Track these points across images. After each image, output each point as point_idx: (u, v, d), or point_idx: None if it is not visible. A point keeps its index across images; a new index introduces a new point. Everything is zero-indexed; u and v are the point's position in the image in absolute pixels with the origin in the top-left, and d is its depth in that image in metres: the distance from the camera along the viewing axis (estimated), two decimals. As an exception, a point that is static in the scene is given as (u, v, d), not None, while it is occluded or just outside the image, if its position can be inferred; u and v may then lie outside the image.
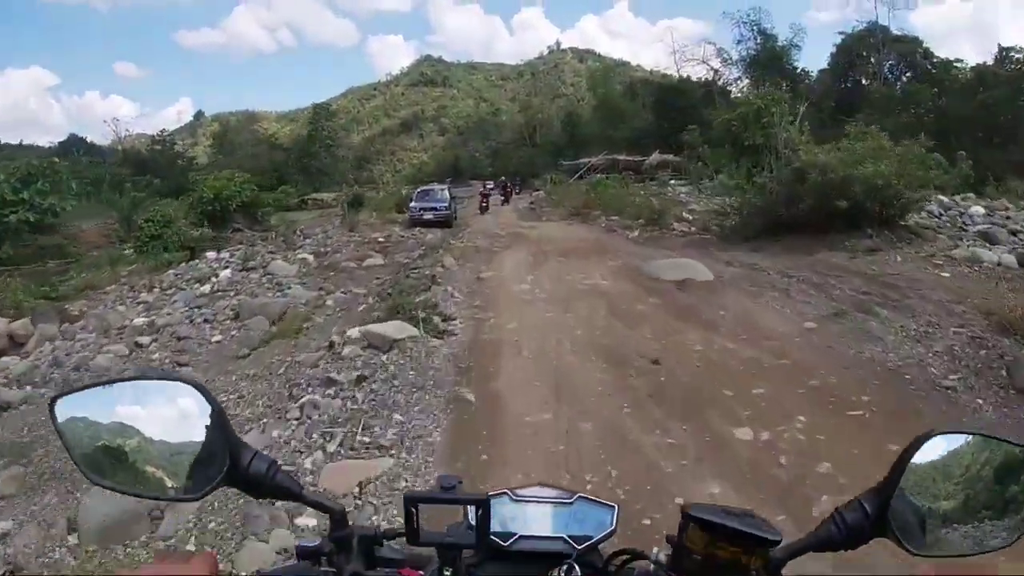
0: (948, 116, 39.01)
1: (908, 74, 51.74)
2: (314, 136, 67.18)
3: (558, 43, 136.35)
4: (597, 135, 57.17)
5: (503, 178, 45.10)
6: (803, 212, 14.20)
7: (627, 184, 31.53)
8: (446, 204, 26.24)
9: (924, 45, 52.35)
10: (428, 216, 25.33)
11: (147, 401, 0.95)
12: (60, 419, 0.93)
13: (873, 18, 53.03)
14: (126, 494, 0.96)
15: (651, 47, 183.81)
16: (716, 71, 56.46)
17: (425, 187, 30.47)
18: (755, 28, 55.57)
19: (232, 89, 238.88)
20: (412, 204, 26.94)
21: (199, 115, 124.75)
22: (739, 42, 55.80)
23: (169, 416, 0.95)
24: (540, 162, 57.71)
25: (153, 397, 0.96)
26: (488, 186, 39.61)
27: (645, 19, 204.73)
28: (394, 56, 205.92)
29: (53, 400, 0.93)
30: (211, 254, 20.36)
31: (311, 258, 17.83)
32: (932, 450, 0.92)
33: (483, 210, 32.62)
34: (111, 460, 0.93)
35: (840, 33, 53.65)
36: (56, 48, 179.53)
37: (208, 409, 0.92)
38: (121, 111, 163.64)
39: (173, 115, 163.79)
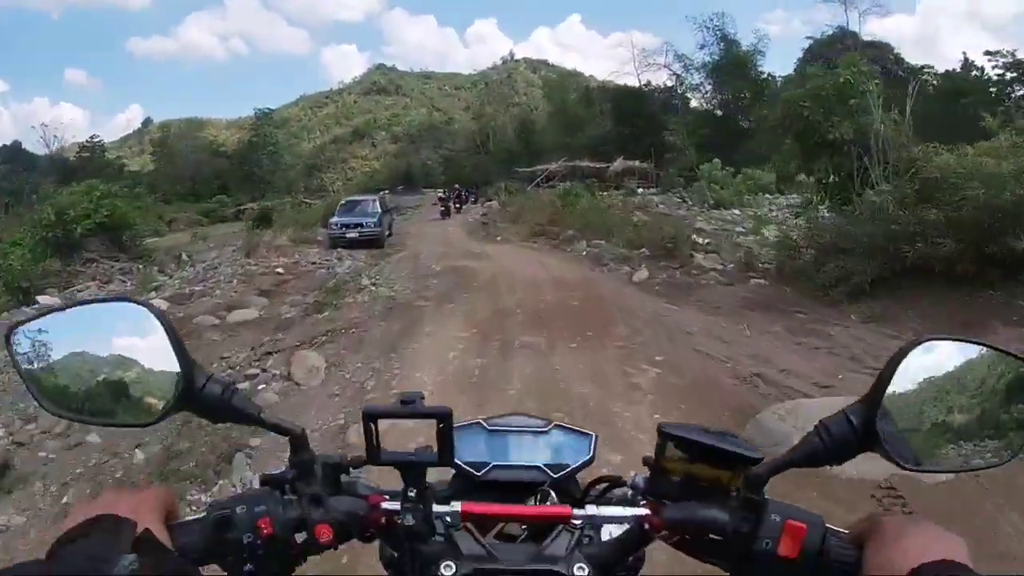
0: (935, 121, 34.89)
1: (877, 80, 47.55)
2: (256, 143, 60.14)
3: (511, 54, 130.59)
4: (553, 142, 53.53)
5: (456, 186, 40.59)
6: (943, 252, 8.33)
7: (594, 193, 25.84)
8: (375, 220, 20.65)
9: (895, 51, 49.51)
10: (352, 235, 19.92)
11: (99, 325, 0.89)
12: (16, 349, 0.86)
13: (842, 23, 49.79)
14: (81, 422, 0.94)
15: (603, 59, 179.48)
16: (678, 76, 51.25)
17: (352, 198, 24.38)
18: (718, 33, 50.94)
19: (183, 97, 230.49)
20: (332, 220, 21.03)
21: (147, 122, 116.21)
22: (701, 47, 51.78)
23: (122, 340, 0.87)
24: (494, 170, 53.15)
25: (105, 320, 0.89)
26: (443, 194, 36.43)
27: (597, 32, 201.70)
28: (348, 66, 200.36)
29: (10, 330, 0.85)
30: (43, 298, 13.95)
31: (164, 306, 11.79)
32: (922, 357, 0.83)
33: (444, 215, 30.49)
34: (66, 387, 0.87)
35: (808, 38, 50.38)
36: (4, 53, 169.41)
37: (161, 331, 0.84)
38: (69, 118, 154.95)
39: (123, 122, 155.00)
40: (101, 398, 0.87)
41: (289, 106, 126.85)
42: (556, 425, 1.06)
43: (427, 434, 0.85)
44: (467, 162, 64.61)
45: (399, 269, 14.65)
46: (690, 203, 24.52)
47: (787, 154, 10.06)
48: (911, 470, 0.85)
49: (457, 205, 33.78)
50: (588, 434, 1.05)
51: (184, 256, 19.13)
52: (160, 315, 0.85)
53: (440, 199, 33.86)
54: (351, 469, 0.91)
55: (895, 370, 0.81)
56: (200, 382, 0.85)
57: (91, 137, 61.02)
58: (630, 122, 47.68)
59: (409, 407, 0.85)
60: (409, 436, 1.13)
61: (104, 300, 0.92)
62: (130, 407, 0.88)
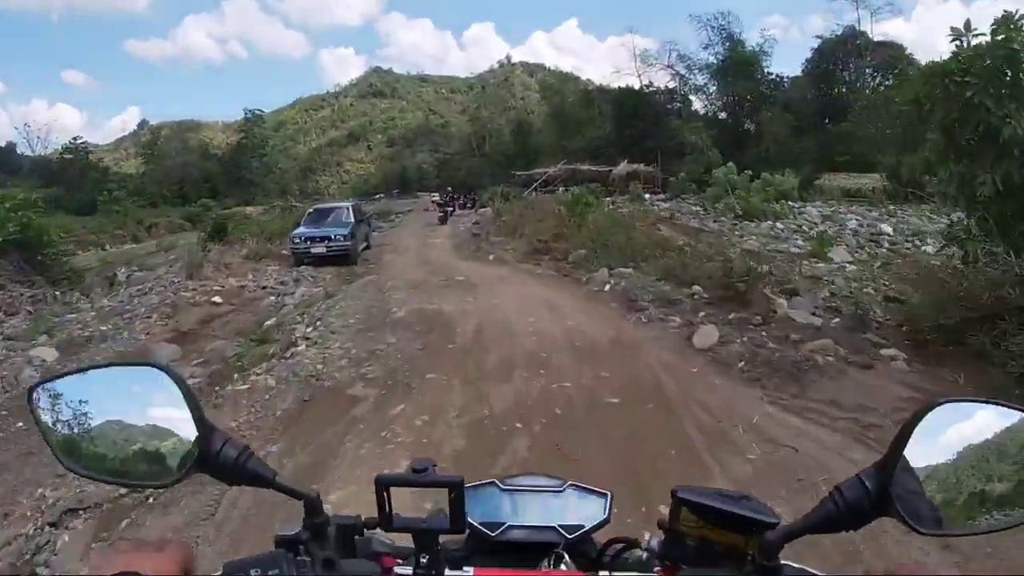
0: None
1: (889, 81, 44.70)
2: (245, 145, 56.41)
3: (508, 57, 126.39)
4: (550, 145, 50.30)
5: (449, 188, 37.16)
6: None
7: (598, 197, 22.17)
8: (346, 232, 17.07)
9: (907, 51, 45.18)
10: (318, 250, 16.46)
11: (120, 387, 0.90)
12: (38, 407, 0.88)
13: (848, 23, 46.19)
14: (100, 481, 0.93)
15: (600, 63, 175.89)
16: (681, 76, 47.69)
17: (322, 206, 20.65)
18: (723, 33, 47.39)
19: (181, 99, 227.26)
20: (296, 232, 17.52)
21: (143, 124, 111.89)
22: (706, 47, 47.88)
23: (142, 402, 0.89)
24: (489, 173, 49.34)
25: (126, 383, 0.91)
26: (438, 198, 33.61)
27: (594, 36, 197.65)
28: (345, 69, 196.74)
29: (32, 388, 0.87)
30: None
31: (51, 356, 8.71)
32: (938, 420, 0.80)
33: (441, 221, 27.40)
34: (86, 447, 0.87)
35: (817, 37, 46.56)
36: (3, 55, 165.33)
37: (179, 394, 0.85)
38: (67, 120, 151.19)
39: (119, 125, 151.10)
40: (119, 458, 0.87)
41: (285, 109, 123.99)
42: (572, 485, 1.02)
43: (442, 494, 0.81)
44: (462, 165, 61.86)
45: (353, 306, 10.63)
46: (711, 212, 20.87)
47: (932, 151, 6.30)
48: (928, 534, 0.81)
49: (449, 209, 30.71)
50: (604, 494, 1.01)
51: (121, 276, 15.40)
52: (179, 380, 0.86)
53: (436, 203, 31.42)
54: (364, 530, 0.89)
55: (910, 433, 0.78)
56: (216, 446, 0.84)
57: (74, 138, 56.26)
58: (631, 124, 44.36)
59: (422, 475, 0.84)
60: (423, 496, 0.93)
61: (125, 364, 0.92)
62: (147, 468, 0.87)
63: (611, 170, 33.66)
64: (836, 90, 45.70)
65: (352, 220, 17.90)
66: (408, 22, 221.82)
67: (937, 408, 0.79)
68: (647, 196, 28.55)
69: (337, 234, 16.72)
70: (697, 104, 49.87)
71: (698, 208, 23.41)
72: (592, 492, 1.02)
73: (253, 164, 56.74)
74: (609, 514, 0.99)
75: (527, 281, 12.73)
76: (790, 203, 22.54)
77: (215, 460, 0.84)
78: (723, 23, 46.63)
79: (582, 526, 0.97)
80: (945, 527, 0.81)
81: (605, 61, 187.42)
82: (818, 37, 46.08)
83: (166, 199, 51.94)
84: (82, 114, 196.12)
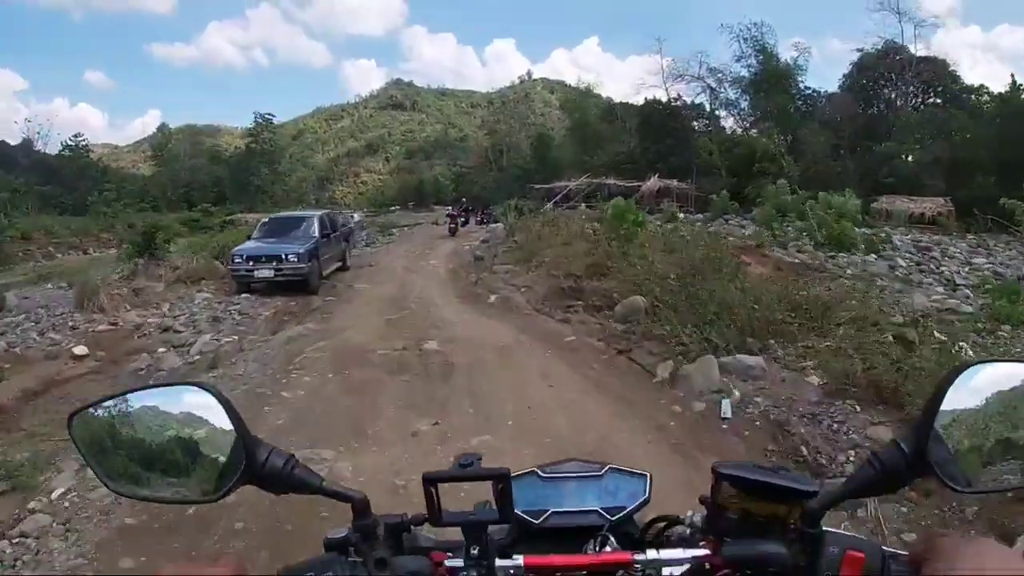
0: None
1: (932, 99, 40.84)
2: (253, 149, 52.66)
3: (529, 73, 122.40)
4: (570, 160, 46.56)
5: (463, 200, 36.10)
6: None
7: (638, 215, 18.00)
8: (300, 251, 13.07)
9: (951, 68, 41.67)
10: (264, 273, 12.78)
11: (160, 408, 0.89)
12: (77, 433, 0.87)
13: (890, 37, 41.68)
14: (149, 501, 0.91)
15: (621, 82, 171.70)
16: (712, 89, 43.57)
17: (281, 215, 16.77)
18: (756, 44, 43.31)
19: (202, 104, 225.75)
20: (238, 249, 13.68)
21: (162, 127, 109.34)
22: (738, 59, 43.49)
23: (184, 420, 0.88)
24: (506, 187, 45.43)
25: (166, 403, 0.89)
26: (452, 211, 31.39)
27: (614, 54, 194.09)
28: (366, 80, 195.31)
29: (71, 416, 0.86)
30: None
31: None
32: (971, 381, 0.79)
33: (452, 232, 25.86)
34: (131, 469, 0.86)
35: (857, 50, 42.35)
36: (27, 53, 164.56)
37: (221, 410, 0.85)
38: (88, 120, 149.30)
39: (140, 127, 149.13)
40: (166, 477, 0.86)
41: (305, 117, 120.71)
42: (611, 468, 1.02)
43: (484, 487, 0.83)
44: (479, 178, 59.11)
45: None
46: (777, 238, 16.73)
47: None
48: (967, 492, 0.83)
49: (461, 219, 28.52)
50: (643, 474, 1.01)
51: (11, 300, 11.49)
52: (220, 396, 0.85)
53: (450, 216, 29.55)
54: (411, 527, 0.88)
55: (944, 395, 0.77)
56: (262, 456, 0.85)
57: (74, 135, 53.05)
58: (658, 139, 40.77)
59: (469, 470, 0.84)
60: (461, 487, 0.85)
61: (165, 385, 0.93)
62: (195, 485, 0.86)
63: (640, 185, 29.38)
64: (877, 107, 42.03)
65: (316, 235, 14.04)
66: (430, 36, 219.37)
67: (970, 369, 0.79)
68: (681, 215, 24.51)
69: (292, 253, 12.78)
70: (731, 121, 46.06)
71: (747, 230, 19.32)
72: (632, 473, 1.01)
73: (262, 170, 52.80)
74: (649, 494, 0.98)
75: (549, 366, 7.21)
76: (864, 230, 18.29)
77: (262, 471, 0.84)
78: (756, 34, 42.74)
79: (624, 507, 0.96)
80: (980, 485, 0.80)
81: (625, 80, 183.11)
82: (858, 50, 42.20)
83: (170, 202, 48.37)
84: (104, 115, 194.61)
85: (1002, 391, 0.80)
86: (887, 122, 38.82)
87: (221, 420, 0.84)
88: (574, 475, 1.01)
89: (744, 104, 44.81)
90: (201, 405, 0.85)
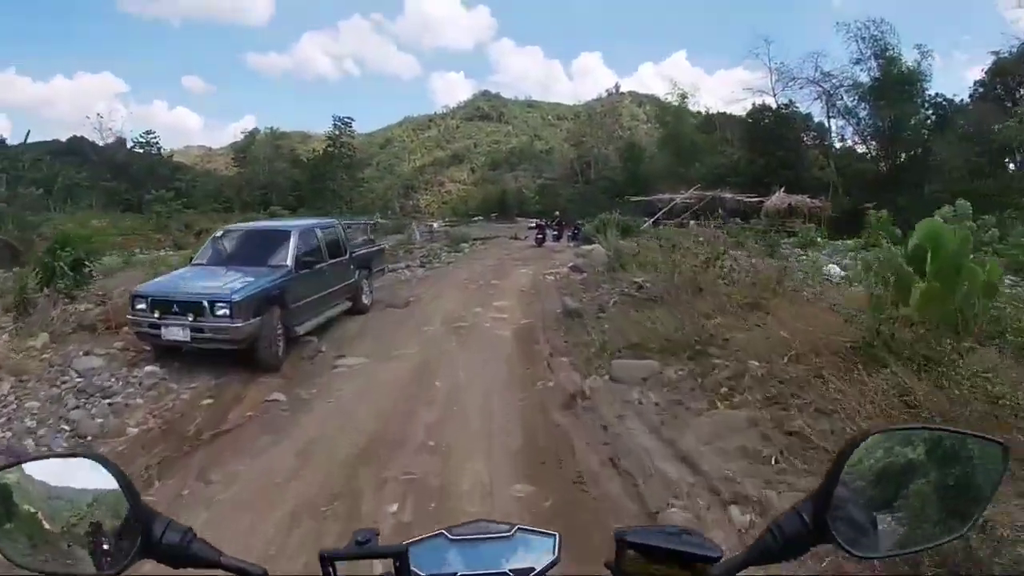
0: None
1: None
2: (331, 153, 48.98)
3: (617, 87, 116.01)
4: (664, 173, 40.90)
5: (556, 213, 31.93)
6: None
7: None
8: (241, 298, 7.29)
9: None
10: (175, 334, 7.19)
11: (57, 479, 0.85)
12: None
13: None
14: (43, 573, 0.85)
15: (708, 96, 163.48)
16: (829, 95, 36.83)
17: (237, 227, 10.27)
18: (878, 45, 36.46)
19: (294, 111, 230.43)
20: (140, 290, 7.80)
21: (255, 132, 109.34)
22: (856, 62, 36.89)
23: (77, 493, 0.84)
24: (593, 200, 42.25)
25: (59, 474, 0.85)
26: (540, 221, 29.78)
27: (703, 69, 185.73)
28: (453, 91, 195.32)
29: None
30: None
31: None
32: (869, 449, 0.82)
33: (539, 242, 24.69)
34: (24, 539, 0.82)
35: (992, 53, 35.07)
36: (128, 57, 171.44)
37: (115, 482, 0.82)
38: (187, 122, 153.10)
39: (235, 132, 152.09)
40: (60, 549, 0.82)
41: (393, 127, 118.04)
42: (519, 528, 0.97)
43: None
44: (564, 190, 53.75)
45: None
46: None
47: None
48: (864, 558, 0.84)
49: (553, 232, 26.06)
50: (552, 534, 0.97)
51: None
52: (114, 467, 0.82)
53: (538, 226, 27.65)
54: None
55: (844, 464, 0.79)
56: (159, 530, 0.82)
57: (146, 132, 51.39)
58: (767, 150, 35.69)
59: (366, 547, 0.83)
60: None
61: (59, 455, 0.90)
62: (89, 558, 0.82)
63: (761, 201, 23.32)
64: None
65: (288, 265, 8.38)
66: (518, 49, 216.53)
67: (870, 439, 0.80)
68: (818, 239, 18.42)
69: (217, 300, 7.23)
70: (849, 131, 39.37)
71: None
72: (540, 534, 0.97)
73: (340, 175, 49.10)
74: (558, 553, 0.95)
75: None
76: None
77: (159, 545, 0.81)
78: (876, 33, 36.21)
79: (532, 568, 0.93)
80: (878, 551, 0.82)
81: (714, 94, 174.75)
82: (993, 53, 35.12)
83: (245, 204, 45.26)
84: (201, 118, 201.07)
85: (895, 461, 0.81)
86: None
87: (116, 493, 0.80)
88: (483, 537, 0.95)
89: (863, 113, 37.75)
90: (95, 477, 0.81)
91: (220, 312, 7.04)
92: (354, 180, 52.22)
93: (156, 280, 8.40)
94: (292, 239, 8.64)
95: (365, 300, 10.82)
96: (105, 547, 0.80)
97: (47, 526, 0.81)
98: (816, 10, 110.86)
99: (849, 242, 19.67)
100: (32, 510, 0.81)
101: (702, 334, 6.99)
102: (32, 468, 0.83)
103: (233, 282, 7.49)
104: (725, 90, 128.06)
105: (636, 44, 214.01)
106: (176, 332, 7.13)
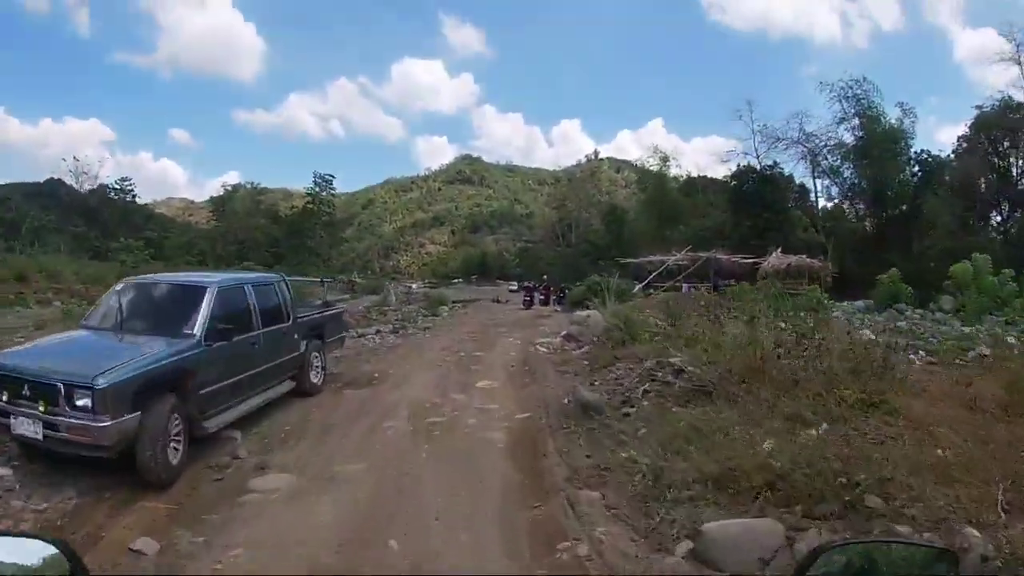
0: None
1: None
2: (310, 210, 47.37)
3: (596, 152, 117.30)
4: (647, 235, 40.24)
5: (544, 277, 31.29)
6: None
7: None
8: (110, 384, 4.65)
9: None
10: (25, 428, 4.71)
11: (13, 559, 0.80)
12: None
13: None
14: None
15: (684, 162, 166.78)
16: (814, 155, 36.26)
17: (147, 279, 7.02)
18: (861, 104, 36.49)
19: (278, 168, 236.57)
20: None
21: (237, 188, 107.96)
22: (840, 121, 37.20)
23: (31, 572, 0.79)
24: (574, 263, 41.73)
25: (16, 555, 0.80)
26: (515, 287, 31.86)
27: (678, 136, 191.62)
28: (436, 154, 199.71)
29: None
30: None
31: None
32: (827, 562, 0.81)
33: (527, 304, 24.00)
34: None
35: (976, 108, 34.76)
36: (116, 105, 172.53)
37: (68, 566, 0.79)
38: (171, 174, 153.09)
39: (218, 185, 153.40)
40: None
41: (376, 187, 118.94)
42: None
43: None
44: (545, 254, 53.99)
45: None
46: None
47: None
48: None
49: (542, 298, 24.77)
50: None
51: None
52: (70, 551, 0.79)
53: (526, 288, 27.50)
54: None
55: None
56: None
57: (121, 179, 50.05)
58: (752, 211, 34.99)
59: None
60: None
61: (15, 535, 0.88)
62: None
63: (757, 262, 21.87)
64: (1004, 172, 34.44)
65: (197, 335, 5.79)
66: (499, 115, 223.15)
67: (828, 552, 0.80)
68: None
69: (78, 383, 4.71)
70: (834, 191, 39.14)
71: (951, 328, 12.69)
72: None
73: (318, 232, 47.40)
74: None
75: None
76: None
77: None
78: (859, 92, 36.11)
79: None
80: None
81: (689, 159, 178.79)
82: (976, 107, 34.79)
83: (220, 258, 43.53)
84: (185, 171, 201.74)
85: (853, 571, 0.80)
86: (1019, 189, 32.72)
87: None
88: None
89: (847, 172, 37.29)
90: (52, 560, 0.77)
91: (80, 402, 4.70)
92: (333, 238, 50.68)
93: (16, 348, 6.22)
94: (206, 299, 6.12)
95: (314, 378, 8.31)
96: None
97: None
98: (791, 77, 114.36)
99: (858, 303, 18.06)
100: None
101: (835, 462, 3.96)
102: None
103: (107, 358, 5.11)
104: (701, 156, 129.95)
105: (614, 112, 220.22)
106: (26, 426, 4.83)
